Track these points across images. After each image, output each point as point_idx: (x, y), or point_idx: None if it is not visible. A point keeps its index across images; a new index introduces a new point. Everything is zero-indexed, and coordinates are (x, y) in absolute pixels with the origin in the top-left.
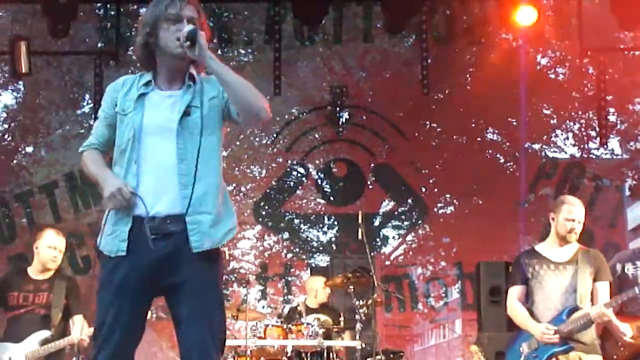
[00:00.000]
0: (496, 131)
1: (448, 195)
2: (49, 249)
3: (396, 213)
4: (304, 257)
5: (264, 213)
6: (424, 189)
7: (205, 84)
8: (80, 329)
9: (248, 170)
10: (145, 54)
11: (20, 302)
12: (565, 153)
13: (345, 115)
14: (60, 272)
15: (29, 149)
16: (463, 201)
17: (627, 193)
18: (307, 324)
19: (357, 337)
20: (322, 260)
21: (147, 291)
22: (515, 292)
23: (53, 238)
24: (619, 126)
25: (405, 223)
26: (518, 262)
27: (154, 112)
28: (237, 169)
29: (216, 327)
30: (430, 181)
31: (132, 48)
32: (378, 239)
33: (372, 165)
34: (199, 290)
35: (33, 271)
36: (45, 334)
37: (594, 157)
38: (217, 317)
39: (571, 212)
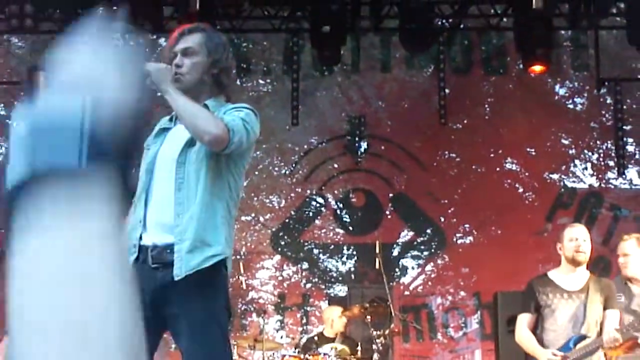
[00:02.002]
0: (515, 161)
1: (467, 225)
2: None
3: (415, 243)
4: (323, 287)
5: (282, 243)
6: (442, 219)
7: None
8: None
9: (267, 200)
10: None
11: None
12: (584, 183)
13: (364, 145)
14: None
15: None
16: (482, 231)
17: None
18: (324, 354)
19: None
20: (340, 290)
21: (152, 320)
22: (525, 320)
23: None
24: (637, 156)
25: (425, 253)
26: (531, 289)
27: (169, 145)
28: (255, 199)
29: (218, 358)
30: (449, 211)
31: None
32: (397, 269)
33: (391, 195)
34: (195, 322)
35: None
36: None
37: (612, 187)
38: (218, 347)
39: (572, 232)
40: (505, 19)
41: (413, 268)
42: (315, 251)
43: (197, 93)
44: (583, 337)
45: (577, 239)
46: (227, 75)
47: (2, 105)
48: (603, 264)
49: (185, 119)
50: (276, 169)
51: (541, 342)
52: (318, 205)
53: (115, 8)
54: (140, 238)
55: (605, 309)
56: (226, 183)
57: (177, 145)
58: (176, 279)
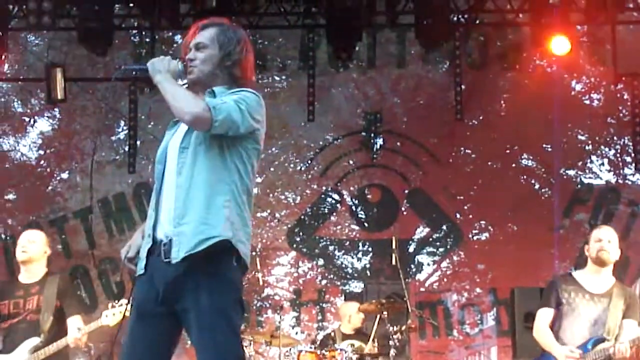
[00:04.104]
0: (531, 157)
1: (483, 222)
2: (18, 246)
3: (431, 239)
4: (339, 283)
5: (298, 239)
6: (458, 215)
7: (215, 97)
8: (77, 330)
9: (282, 197)
10: None
11: (11, 310)
12: (601, 179)
13: (380, 141)
14: (50, 273)
15: (64, 175)
16: (498, 227)
17: None
18: (341, 350)
19: None
20: (356, 286)
21: (166, 316)
22: (545, 315)
23: (22, 237)
24: None
25: (440, 249)
26: (553, 285)
27: (178, 134)
28: (271, 195)
29: (228, 354)
30: (465, 207)
31: None
32: (413, 265)
33: (406, 191)
34: (203, 316)
35: (23, 277)
36: (35, 341)
37: (629, 182)
38: (226, 343)
39: (599, 233)
40: (521, 15)
41: (429, 264)
42: (331, 247)
43: (209, 85)
44: (602, 340)
45: (601, 239)
46: (241, 68)
47: (19, 102)
48: (621, 261)
49: (170, 103)
50: (292, 165)
51: (558, 339)
52: (334, 201)
53: (132, 5)
54: (154, 228)
55: (624, 317)
56: (232, 166)
57: (182, 133)
58: (173, 262)
